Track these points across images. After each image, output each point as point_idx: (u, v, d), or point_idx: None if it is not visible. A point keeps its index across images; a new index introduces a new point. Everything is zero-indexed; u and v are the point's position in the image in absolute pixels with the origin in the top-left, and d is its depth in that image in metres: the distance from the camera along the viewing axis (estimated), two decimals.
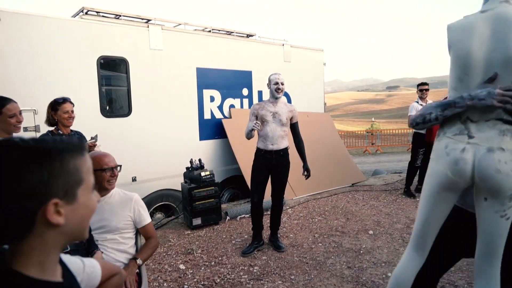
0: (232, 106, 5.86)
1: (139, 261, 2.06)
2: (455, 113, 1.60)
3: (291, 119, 3.64)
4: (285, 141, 3.59)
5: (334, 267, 3.31)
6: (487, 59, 1.54)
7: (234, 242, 3.97)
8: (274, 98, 3.58)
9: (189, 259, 3.54)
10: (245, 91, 6.01)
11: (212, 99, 5.62)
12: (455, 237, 1.84)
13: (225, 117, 5.74)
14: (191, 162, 4.58)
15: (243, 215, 4.79)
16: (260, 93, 6.16)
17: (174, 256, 3.63)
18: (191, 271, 3.28)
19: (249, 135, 3.54)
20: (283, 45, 6.50)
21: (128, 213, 2.10)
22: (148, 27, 4.88)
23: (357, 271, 3.22)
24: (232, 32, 5.99)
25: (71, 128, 3.17)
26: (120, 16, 4.77)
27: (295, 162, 3.74)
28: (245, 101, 6.01)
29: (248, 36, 6.21)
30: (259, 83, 6.13)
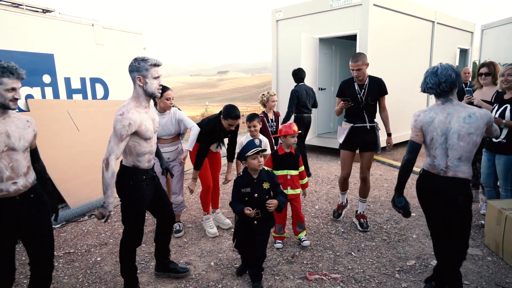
0: (30, 96, 4.82)
1: None
2: None
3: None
4: None
5: None
6: None
7: None
8: None
9: None
10: (46, 78, 5.03)
11: None
12: None
13: (20, 110, 4.67)
14: None
15: None
16: (67, 80, 5.29)
17: None
18: None
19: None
20: (92, 25, 5.73)
21: None
22: None
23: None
24: (21, 5, 4.87)
25: None
26: None
27: None
28: (48, 90, 5.04)
29: (45, 11, 5.19)
30: (66, 69, 5.25)
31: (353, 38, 7.14)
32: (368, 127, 3.75)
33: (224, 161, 4.39)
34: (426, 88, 2.36)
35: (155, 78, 2.44)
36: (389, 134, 3.84)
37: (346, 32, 6.95)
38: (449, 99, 2.32)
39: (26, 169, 2.20)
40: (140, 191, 2.53)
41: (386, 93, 3.76)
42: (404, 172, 2.39)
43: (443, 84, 2.26)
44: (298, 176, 3.51)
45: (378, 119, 3.85)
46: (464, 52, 10.02)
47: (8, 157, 2.08)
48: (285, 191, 3.41)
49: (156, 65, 2.44)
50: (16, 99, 2.09)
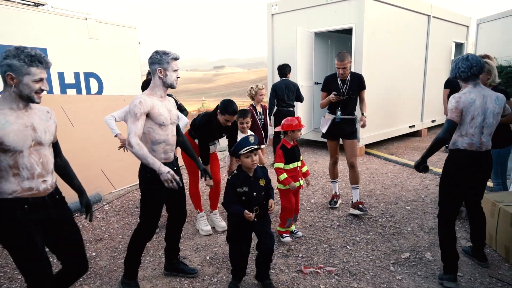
0: None
1: None
2: None
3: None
4: None
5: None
6: None
7: None
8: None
9: None
10: None
11: None
12: None
13: None
14: None
15: None
16: (61, 75, 5.24)
17: None
18: None
19: None
20: (86, 19, 5.67)
21: None
22: None
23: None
24: None
25: None
26: None
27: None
28: None
29: (37, 5, 5.13)
30: (59, 63, 5.20)
31: (349, 32, 7.12)
32: (349, 119, 4.10)
33: (222, 163, 4.37)
34: (458, 72, 2.63)
35: (175, 70, 2.55)
36: (362, 114, 4.13)
37: (342, 26, 6.93)
38: (477, 83, 2.63)
39: (53, 166, 2.06)
40: (157, 185, 2.47)
41: (365, 88, 4.14)
42: (435, 147, 2.67)
43: (474, 67, 2.56)
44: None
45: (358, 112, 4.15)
46: (459, 46, 10.04)
47: (37, 153, 1.92)
48: (297, 183, 3.43)
49: (176, 58, 2.56)
50: (43, 91, 1.92)
